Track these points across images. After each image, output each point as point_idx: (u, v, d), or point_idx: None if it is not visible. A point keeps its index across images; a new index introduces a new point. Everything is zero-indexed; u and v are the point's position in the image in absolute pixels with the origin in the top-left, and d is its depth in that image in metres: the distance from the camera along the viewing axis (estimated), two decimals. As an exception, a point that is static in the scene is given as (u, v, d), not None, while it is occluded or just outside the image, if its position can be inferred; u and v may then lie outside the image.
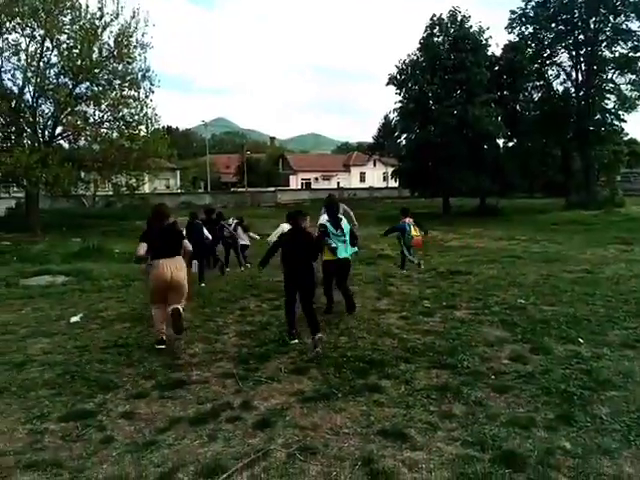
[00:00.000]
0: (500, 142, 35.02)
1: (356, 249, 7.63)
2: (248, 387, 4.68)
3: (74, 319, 7.17)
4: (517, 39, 34.62)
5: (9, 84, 23.88)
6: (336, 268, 7.06)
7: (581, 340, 5.64)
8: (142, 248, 5.81)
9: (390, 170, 43.26)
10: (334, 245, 6.89)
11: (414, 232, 10.26)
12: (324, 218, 7.33)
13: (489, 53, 33.04)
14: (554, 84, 36.27)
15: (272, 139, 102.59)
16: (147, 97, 26.20)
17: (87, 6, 24.15)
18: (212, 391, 4.64)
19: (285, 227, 8.14)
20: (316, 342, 5.55)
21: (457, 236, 20.99)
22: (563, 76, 35.88)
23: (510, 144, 35.69)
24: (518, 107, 34.64)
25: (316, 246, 6.44)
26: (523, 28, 34.89)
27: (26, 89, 23.97)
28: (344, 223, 7.23)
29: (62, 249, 17.03)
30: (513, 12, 34.84)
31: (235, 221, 12.84)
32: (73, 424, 4.03)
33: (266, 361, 5.34)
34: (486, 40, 32.49)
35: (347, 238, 7.13)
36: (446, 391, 4.44)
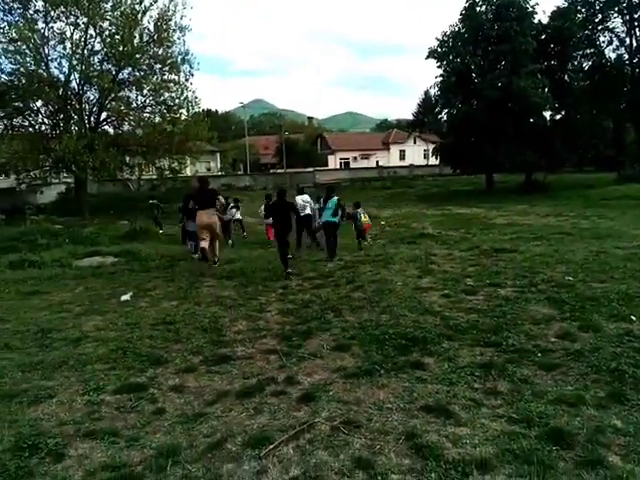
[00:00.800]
0: (547, 115, 33.56)
1: (337, 219, 10.55)
2: (292, 363, 4.77)
3: (124, 298, 7.47)
4: (565, 5, 32.85)
5: (56, 72, 24.74)
6: (325, 226, 10.69)
7: (633, 318, 5.42)
8: (191, 203, 9.81)
9: (431, 147, 42.38)
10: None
11: (364, 219, 12.00)
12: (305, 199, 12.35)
13: (535, 21, 31.49)
14: (606, 51, 34.45)
15: (310, 119, 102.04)
16: (187, 80, 26.61)
17: (127, -9, 24.52)
18: (257, 366, 4.76)
19: (303, 199, 12.35)
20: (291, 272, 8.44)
21: (502, 213, 20.45)
22: (616, 42, 33.99)
23: (558, 116, 34.14)
24: (566, 77, 32.91)
25: (292, 209, 9.51)
26: (574, -8, 33.03)
27: (72, 77, 24.76)
28: (332, 201, 10.53)
29: (110, 231, 17.70)
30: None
31: (232, 203, 15.72)
32: (127, 396, 4.23)
33: (308, 338, 5.42)
34: (532, 7, 30.97)
35: (332, 210, 10.45)
36: (490, 368, 4.38)
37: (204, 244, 9.23)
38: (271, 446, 3.32)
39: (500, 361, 4.54)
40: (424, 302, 6.42)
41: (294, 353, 5.01)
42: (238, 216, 16.00)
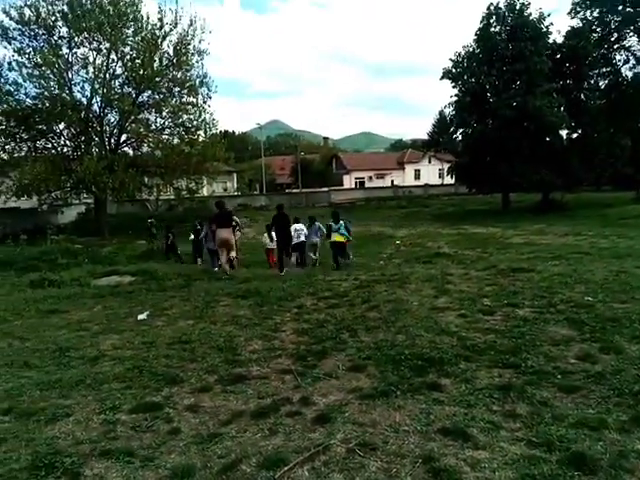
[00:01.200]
0: (563, 133, 33.42)
1: (345, 236, 13.16)
2: (307, 383, 4.74)
3: (141, 317, 7.53)
4: (580, 24, 32.91)
5: (78, 96, 25.49)
6: (333, 245, 13.15)
7: (656, 340, 5.30)
8: (212, 225, 11.53)
9: (446, 166, 42.37)
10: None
11: (337, 238, 13.25)
12: (298, 227, 14.19)
13: (550, 41, 31.61)
14: (622, 70, 34.25)
15: (325, 139, 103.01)
16: (205, 103, 27.19)
17: (148, 17, 25.31)
18: (272, 386, 4.73)
19: (298, 226, 14.17)
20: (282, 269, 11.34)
21: (518, 233, 20.27)
22: (633, 61, 33.78)
23: (574, 135, 33.98)
24: (582, 96, 32.86)
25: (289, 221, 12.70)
26: (587, 12, 33.10)
27: (94, 100, 25.48)
28: (341, 223, 13.23)
29: (128, 251, 17.96)
30: (578, -5, 33.11)
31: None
32: (142, 415, 4.23)
33: (323, 358, 5.39)
34: (547, 27, 31.17)
35: (341, 231, 13.04)
36: (509, 390, 4.30)
37: (223, 259, 11.14)
38: (286, 468, 3.28)
39: (519, 383, 4.45)
40: (440, 322, 6.35)
41: (309, 373, 4.98)
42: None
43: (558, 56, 31.89)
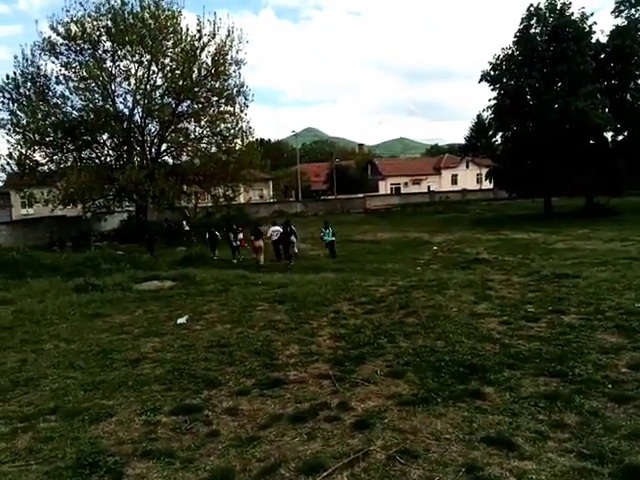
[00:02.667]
0: (608, 135, 32.26)
1: (333, 238, 19.52)
2: (344, 388, 4.69)
3: (181, 320, 7.64)
4: (625, 23, 31.77)
5: (121, 107, 26.31)
6: (327, 243, 19.43)
7: None
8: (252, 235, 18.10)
9: (484, 171, 41.54)
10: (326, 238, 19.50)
11: (327, 237, 19.59)
12: (275, 228, 19.36)
13: (593, 41, 30.63)
14: (671, 68, 32.70)
15: (360, 145, 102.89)
16: (242, 111, 27.62)
17: (187, 29, 25.93)
18: (309, 391, 4.71)
19: (273, 228, 19.48)
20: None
21: (562, 238, 19.64)
22: (682, 59, 32.23)
23: (620, 137, 32.74)
24: (629, 96, 31.63)
25: (292, 232, 18.38)
26: (633, 10, 31.95)
27: (135, 111, 26.30)
28: (329, 230, 19.34)
29: (168, 257, 18.35)
30: (621, -6, 32.02)
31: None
32: (182, 417, 4.28)
33: (361, 363, 5.32)
34: (589, 27, 30.20)
35: (330, 234, 19.30)
36: (556, 400, 4.13)
37: (260, 257, 17.91)
38: (325, 473, 3.24)
39: (566, 392, 4.27)
40: (481, 328, 6.18)
41: (347, 378, 4.93)
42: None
43: (602, 56, 30.86)
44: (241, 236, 20.07)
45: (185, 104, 26.79)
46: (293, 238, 18.59)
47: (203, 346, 6.26)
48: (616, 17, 32.52)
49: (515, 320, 6.49)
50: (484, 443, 3.53)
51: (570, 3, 30.42)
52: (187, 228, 27.17)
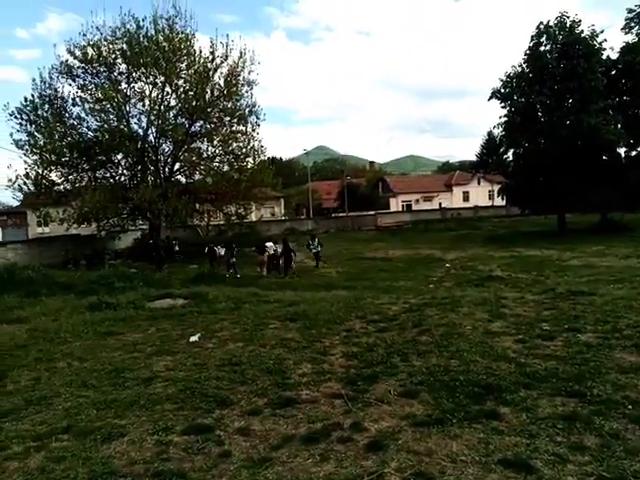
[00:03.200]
0: (621, 151, 32.04)
1: (319, 248, 22.02)
2: (357, 408, 4.63)
3: (193, 338, 7.64)
4: (636, 39, 31.78)
5: (135, 127, 26.74)
6: (314, 254, 22.11)
7: None
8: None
9: (496, 188, 41.40)
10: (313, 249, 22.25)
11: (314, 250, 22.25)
12: (269, 244, 21.82)
13: (604, 57, 30.66)
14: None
15: (371, 163, 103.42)
16: (254, 131, 27.92)
17: (200, 51, 26.40)
18: (322, 411, 4.65)
19: (269, 244, 21.76)
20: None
21: (576, 255, 19.43)
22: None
23: (633, 153, 32.51)
24: (641, 112, 31.51)
25: (292, 250, 20.92)
26: (643, 26, 31.93)
27: (149, 131, 26.65)
28: (316, 241, 22.26)
29: (181, 274, 18.44)
30: (631, 10, 32.08)
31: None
32: (194, 437, 4.25)
33: (374, 382, 5.26)
34: (600, 44, 30.24)
35: (317, 246, 22.11)
36: (575, 421, 4.04)
37: (263, 269, 20.23)
38: (338, 496, 3.18)
39: (585, 413, 4.18)
40: (496, 347, 6.09)
41: (360, 398, 4.87)
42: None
43: (613, 72, 30.86)
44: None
45: (198, 124, 27.16)
46: (292, 255, 20.95)
47: (215, 365, 6.24)
48: (626, 34, 32.58)
49: (530, 339, 6.39)
50: (501, 466, 3.46)
51: (580, 21, 30.58)
52: (177, 248, 28.78)
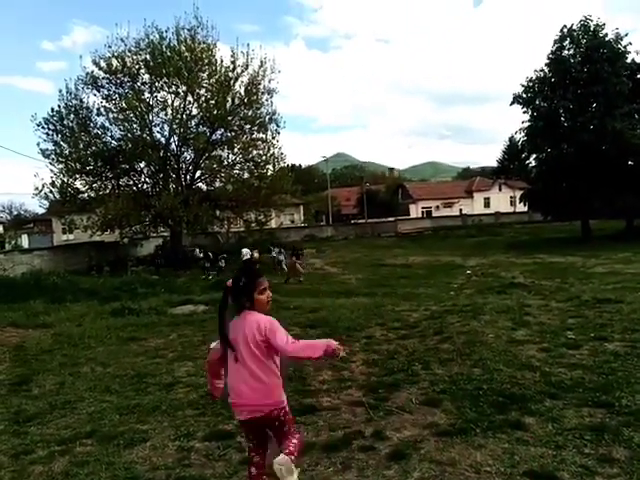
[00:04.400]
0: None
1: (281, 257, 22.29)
2: (379, 417, 4.58)
3: (214, 344, 7.65)
4: (662, 41, 31.15)
5: (158, 136, 27.16)
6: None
7: None
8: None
9: (518, 194, 40.86)
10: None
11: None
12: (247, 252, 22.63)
13: (628, 61, 30.10)
14: None
15: (391, 170, 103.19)
16: (274, 138, 28.07)
17: (222, 61, 26.73)
18: (343, 419, 4.62)
19: (244, 251, 22.47)
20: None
21: (601, 262, 18.99)
22: None
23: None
24: (669, 116, 30.77)
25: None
26: (669, 29, 31.34)
27: (171, 139, 27.07)
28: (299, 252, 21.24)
29: (201, 281, 18.59)
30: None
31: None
32: (215, 443, 4.26)
33: (396, 390, 5.21)
34: (624, 47, 29.70)
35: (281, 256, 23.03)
36: (602, 432, 3.92)
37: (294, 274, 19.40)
38: (360, 505, 3.15)
39: (613, 424, 4.06)
40: (520, 356, 5.97)
41: (381, 406, 4.82)
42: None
43: (639, 76, 30.26)
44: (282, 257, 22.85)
45: (219, 132, 27.42)
46: (282, 257, 22.51)
47: (236, 371, 6.25)
48: (652, 36, 31.97)
49: (555, 347, 6.25)
50: (527, 477, 3.37)
51: (604, 24, 30.05)
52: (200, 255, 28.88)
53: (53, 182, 25.89)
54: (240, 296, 3.18)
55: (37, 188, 25.90)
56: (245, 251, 21.64)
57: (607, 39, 29.66)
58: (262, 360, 3.07)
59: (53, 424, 4.96)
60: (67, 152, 25.63)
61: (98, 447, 4.34)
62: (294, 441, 3.19)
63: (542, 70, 31.70)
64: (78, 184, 26.83)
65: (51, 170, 25.95)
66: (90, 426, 4.81)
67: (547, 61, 31.48)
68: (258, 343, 3.05)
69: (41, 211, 39.91)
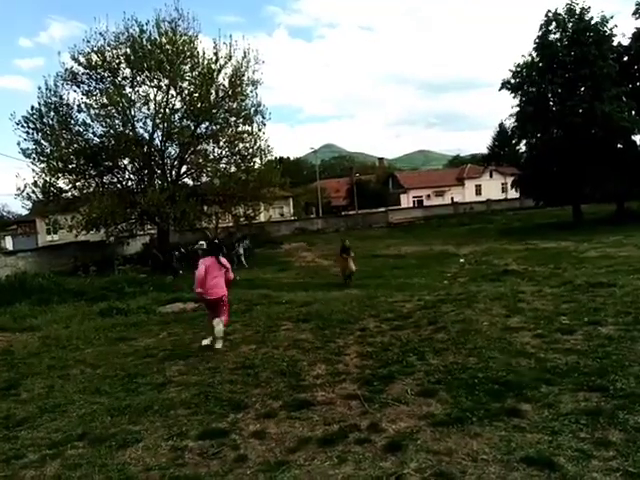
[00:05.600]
0: (637, 139, 31.52)
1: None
2: (374, 409, 4.54)
3: (205, 342, 7.58)
4: (647, 24, 31.18)
5: (141, 131, 26.68)
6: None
7: None
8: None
9: (509, 180, 40.98)
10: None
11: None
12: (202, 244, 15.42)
13: (615, 44, 30.18)
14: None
15: (380, 159, 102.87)
16: (260, 130, 27.72)
17: (204, 53, 26.30)
18: (338, 412, 4.57)
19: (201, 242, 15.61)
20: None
21: (593, 246, 19.12)
22: None
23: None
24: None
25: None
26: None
27: (155, 134, 26.60)
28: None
29: (190, 278, 18.39)
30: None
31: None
32: (209, 442, 4.19)
33: (390, 382, 5.16)
34: (610, 30, 29.73)
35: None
36: (598, 416, 3.92)
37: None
38: (358, 500, 3.09)
39: (609, 407, 4.06)
40: (515, 343, 5.96)
41: (376, 398, 4.77)
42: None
43: (625, 59, 30.36)
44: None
45: (204, 126, 27.00)
46: (240, 250, 24.28)
47: (228, 368, 6.19)
48: (637, 19, 31.93)
49: (550, 333, 6.26)
50: (524, 463, 3.36)
51: (589, 8, 30.03)
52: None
53: (35, 182, 25.36)
54: (216, 251, 7.76)
55: (19, 189, 25.31)
56: (201, 242, 21.10)
57: (593, 22, 29.69)
58: (222, 274, 7.54)
59: (43, 428, 4.86)
60: (48, 151, 25.12)
61: (90, 449, 4.26)
62: (224, 316, 7.55)
63: (530, 55, 31.68)
64: (61, 183, 26.29)
65: (33, 170, 25.39)
66: (81, 428, 4.72)
67: (534, 46, 31.44)
68: (221, 267, 7.55)
69: (24, 212, 39.33)
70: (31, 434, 4.73)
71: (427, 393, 4.77)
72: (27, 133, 25.21)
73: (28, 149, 25.28)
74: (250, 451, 3.98)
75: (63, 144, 24.99)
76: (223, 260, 7.66)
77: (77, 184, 26.55)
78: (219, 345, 7.19)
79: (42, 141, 25.24)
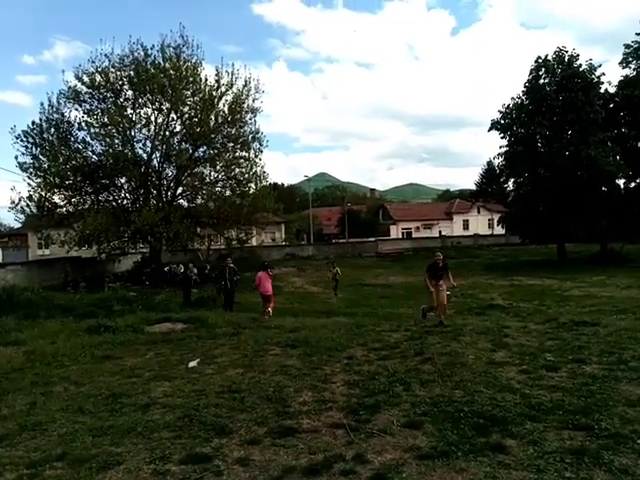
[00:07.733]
0: (620, 183, 32.35)
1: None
2: (360, 439, 4.52)
3: (192, 364, 7.53)
4: (634, 73, 32.41)
5: (140, 152, 26.95)
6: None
7: None
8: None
9: (496, 217, 41.57)
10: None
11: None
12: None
13: (602, 90, 31.23)
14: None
15: (372, 190, 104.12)
16: (256, 157, 28.13)
17: (206, 79, 26.82)
18: (323, 441, 4.54)
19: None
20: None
21: (577, 285, 19.35)
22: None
23: (632, 184, 32.81)
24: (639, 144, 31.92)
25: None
26: (640, 61, 32.61)
27: (154, 155, 26.87)
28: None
29: (180, 298, 18.31)
30: (628, 46, 32.76)
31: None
32: (192, 467, 4.13)
33: (377, 412, 5.16)
34: (598, 78, 30.85)
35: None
36: (583, 455, 3.94)
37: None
38: (341, 531, 3.07)
39: (593, 447, 4.08)
40: (500, 378, 6.00)
41: (362, 428, 4.76)
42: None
43: (612, 105, 31.37)
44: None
45: (202, 149, 27.33)
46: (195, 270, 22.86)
47: (214, 391, 6.13)
48: (624, 68, 33.23)
49: (535, 369, 6.31)
50: (508, 501, 3.36)
51: (578, 55, 31.23)
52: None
53: (30, 196, 25.42)
54: (265, 267, 14.00)
55: (13, 202, 25.38)
56: (190, 265, 20.73)
57: (581, 69, 30.77)
58: (270, 281, 13.62)
59: (22, 446, 4.77)
60: (46, 166, 25.21)
61: (69, 470, 4.18)
62: (272, 303, 13.47)
63: (519, 97, 32.69)
64: (56, 198, 26.35)
65: (29, 184, 25.48)
66: (61, 448, 4.63)
67: (524, 89, 32.49)
68: (269, 277, 13.63)
69: (17, 225, 39.02)
70: (9, 452, 4.64)
71: (413, 425, 4.77)
72: (26, 147, 25.37)
73: (26, 163, 25.41)
74: (233, 478, 3.94)
75: (61, 160, 25.12)
76: (270, 272, 13.67)
77: (72, 200, 26.60)
78: (267, 317, 12.20)
79: (40, 156, 25.39)
